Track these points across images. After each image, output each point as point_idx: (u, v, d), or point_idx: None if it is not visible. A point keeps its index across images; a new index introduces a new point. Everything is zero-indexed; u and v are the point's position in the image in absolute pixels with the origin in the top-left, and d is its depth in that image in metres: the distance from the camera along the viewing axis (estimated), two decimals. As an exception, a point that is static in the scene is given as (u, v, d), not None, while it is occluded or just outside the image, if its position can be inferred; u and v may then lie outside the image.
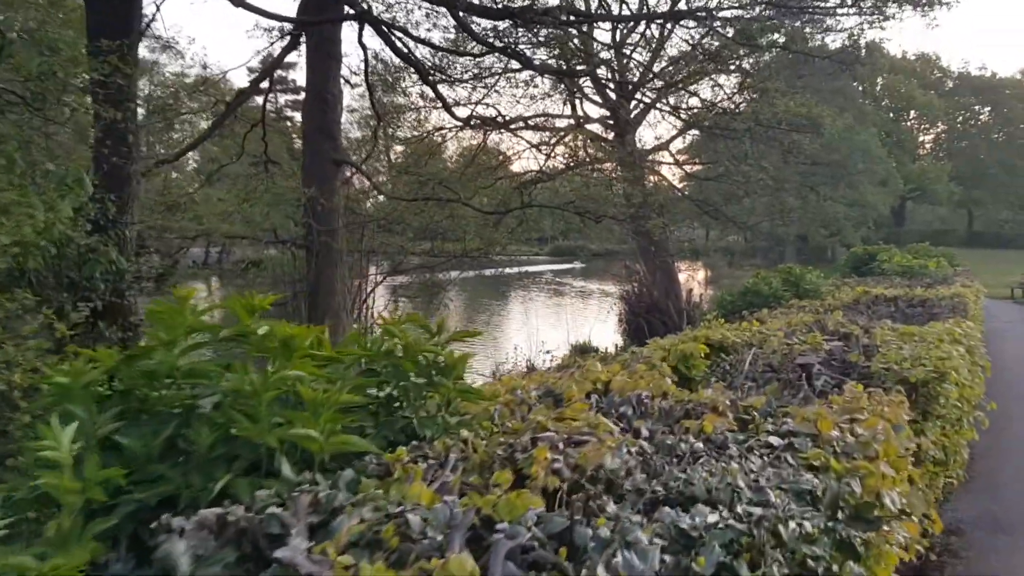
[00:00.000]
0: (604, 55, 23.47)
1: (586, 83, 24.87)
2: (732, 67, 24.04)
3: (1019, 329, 19.16)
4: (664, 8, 17.58)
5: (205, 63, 47.74)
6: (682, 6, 22.95)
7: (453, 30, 20.88)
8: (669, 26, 23.69)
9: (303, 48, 15.00)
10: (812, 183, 32.19)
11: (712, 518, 1.94)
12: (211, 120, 16.82)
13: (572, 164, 23.39)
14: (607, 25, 25.79)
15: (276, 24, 18.89)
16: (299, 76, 48.37)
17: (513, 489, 2.33)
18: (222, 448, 2.42)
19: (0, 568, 1.81)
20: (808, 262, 34.61)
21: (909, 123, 76.44)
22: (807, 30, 22.64)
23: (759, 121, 21.86)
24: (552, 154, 24.27)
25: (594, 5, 24.32)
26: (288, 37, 15.90)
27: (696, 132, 29.71)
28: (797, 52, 21.96)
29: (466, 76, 22.68)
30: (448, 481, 2.24)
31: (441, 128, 24.91)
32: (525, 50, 17.47)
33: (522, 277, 43.48)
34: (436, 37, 29.29)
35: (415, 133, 24.77)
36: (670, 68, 25.19)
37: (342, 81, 15.37)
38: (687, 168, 31.19)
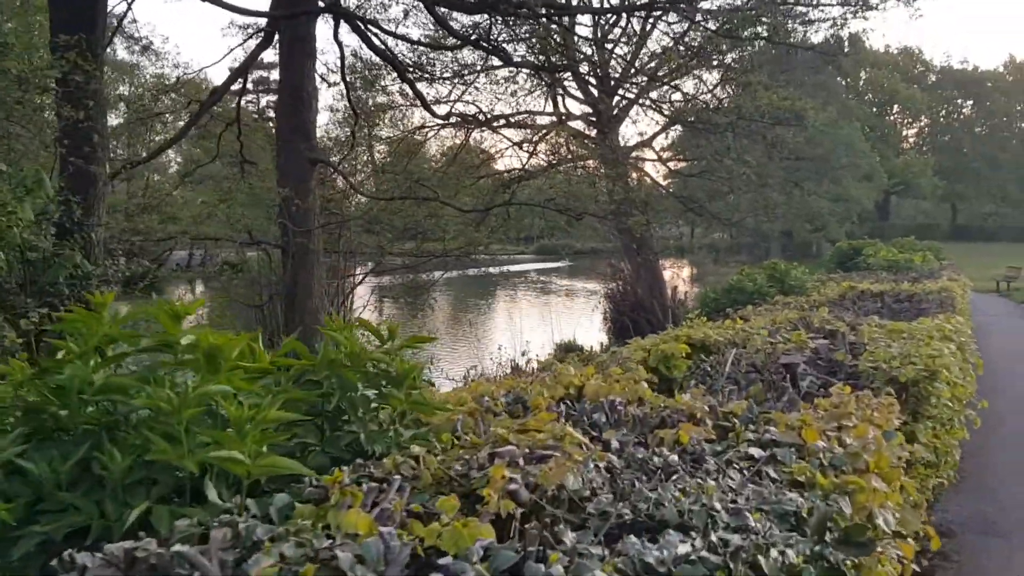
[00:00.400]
0: (586, 50, 23.26)
1: (568, 79, 24.62)
2: (715, 62, 23.87)
3: (1005, 323, 19.10)
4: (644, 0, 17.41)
5: (177, 62, 47.08)
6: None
7: (432, 26, 20.61)
8: (651, 21, 23.52)
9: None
10: (796, 178, 32.07)
11: (683, 548, 1.70)
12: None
13: (554, 162, 23.14)
14: (588, 20, 25.59)
15: (252, 21, 18.53)
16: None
17: (469, 513, 2.09)
18: (140, 472, 2.17)
19: None
20: (793, 258, 34.57)
21: (892, 117, 76.74)
22: (789, 24, 22.49)
23: (741, 115, 21.67)
24: (534, 152, 24.04)
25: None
26: (262, 34, 15.58)
27: (680, 128, 29.54)
28: (780, 44, 21.77)
29: (447, 74, 22.43)
30: (389, 507, 1.98)
31: (423, 127, 24.64)
32: (505, 46, 17.22)
33: (508, 276, 43.25)
34: (415, 35, 29.02)
35: (396, 132, 24.49)
36: (652, 64, 25.00)
37: (318, 79, 15.09)
38: (671, 165, 31.02)
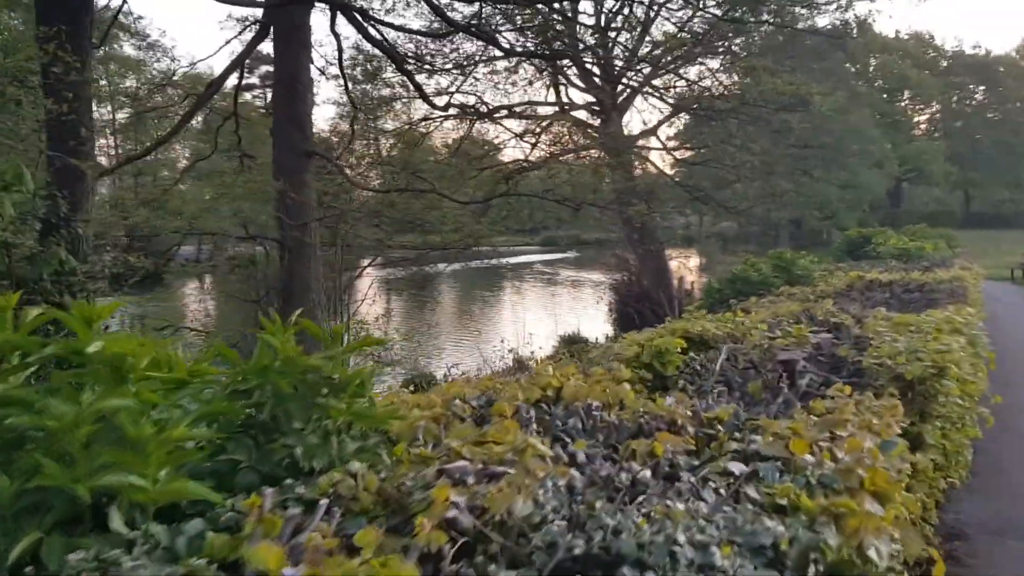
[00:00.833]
0: (589, 39, 22.87)
1: (570, 68, 24.26)
2: (720, 49, 23.45)
3: (1020, 312, 18.64)
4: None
5: (174, 56, 46.99)
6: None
7: (431, 16, 20.28)
8: (655, 8, 23.12)
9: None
10: (805, 166, 31.54)
11: (635, 594, 1.43)
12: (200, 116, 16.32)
13: (557, 152, 22.77)
14: (591, 9, 25.22)
15: (248, 12, 18.28)
16: (283, 69, 47.68)
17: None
18: (31, 497, 1.92)
19: None
20: (803, 246, 34.10)
21: (903, 103, 75.68)
22: (796, 9, 22.07)
23: (746, 101, 21.24)
24: (537, 142, 23.68)
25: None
26: (258, 26, 15.34)
27: (685, 116, 29.11)
28: (785, 27, 21.34)
29: (448, 65, 22.08)
30: (301, 542, 1.71)
31: (425, 119, 24.30)
32: (507, 36, 16.93)
33: (513, 268, 42.98)
34: (415, 27, 28.67)
35: (397, 124, 24.18)
36: (656, 52, 24.58)
37: (316, 71, 14.84)
38: (676, 154, 30.57)
